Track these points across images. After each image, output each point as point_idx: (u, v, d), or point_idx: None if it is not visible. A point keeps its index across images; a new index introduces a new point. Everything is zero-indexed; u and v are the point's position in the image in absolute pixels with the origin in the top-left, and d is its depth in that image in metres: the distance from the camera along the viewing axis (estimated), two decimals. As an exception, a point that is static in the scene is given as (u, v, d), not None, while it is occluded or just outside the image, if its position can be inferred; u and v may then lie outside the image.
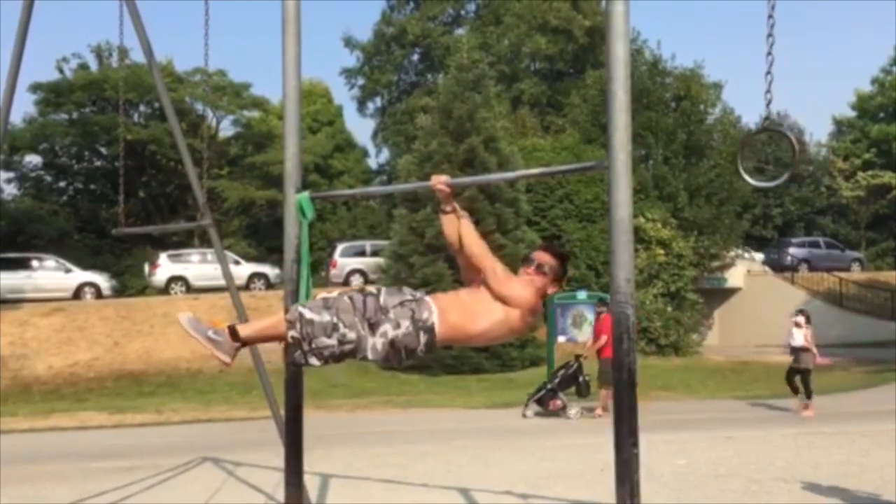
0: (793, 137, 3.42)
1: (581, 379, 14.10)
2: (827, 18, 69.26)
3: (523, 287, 3.48)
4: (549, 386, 14.05)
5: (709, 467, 8.51)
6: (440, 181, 3.60)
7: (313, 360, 3.30)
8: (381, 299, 3.37)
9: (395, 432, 12.26)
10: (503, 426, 12.89)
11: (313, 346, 3.27)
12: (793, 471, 8.17)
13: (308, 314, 3.27)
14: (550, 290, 3.60)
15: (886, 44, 59.08)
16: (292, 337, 3.28)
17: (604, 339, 13.93)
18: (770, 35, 3.21)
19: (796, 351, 14.49)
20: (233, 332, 3.34)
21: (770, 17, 3.21)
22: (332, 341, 3.26)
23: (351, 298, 3.33)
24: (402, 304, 3.36)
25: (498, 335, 3.52)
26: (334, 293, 3.40)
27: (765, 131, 3.34)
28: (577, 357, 14.42)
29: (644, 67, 28.58)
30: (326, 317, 3.26)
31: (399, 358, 3.37)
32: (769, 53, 3.21)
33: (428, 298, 3.44)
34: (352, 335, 3.26)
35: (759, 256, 34.35)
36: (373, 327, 3.30)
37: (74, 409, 17.00)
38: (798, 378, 14.45)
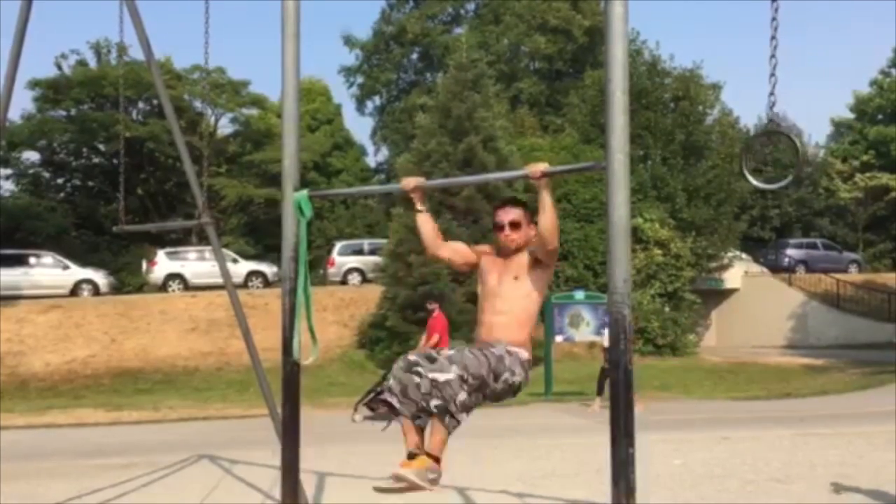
0: (795, 139, 3.43)
1: None
2: (825, 20, 69.30)
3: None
4: (378, 388, 13.62)
5: (705, 467, 8.52)
6: (412, 184, 3.86)
7: (462, 417, 3.64)
8: (496, 353, 3.67)
9: (392, 431, 12.24)
10: (500, 425, 12.87)
11: (458, 402, 3.54)
12: (788, 471, 8.18)
13: (440, 377, 3.55)
14: (533, 233, 3.84)
15: (885, 45, 59.01)
16: (436, 407, 3.56)
17: (435, 337, 13.59)
18: (773, 38, 3.21)
19: (606, 350, 14.74)
20: (433, 458, 3.63)
21: (773, 19, 3.21)
22: (464, 394, 3.55)
23: (474, 354, 3.62)
24: (508, 352, 3.71)
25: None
26: (449, 351, 3.73)
27: (767, 134, 3.35)
28: None
29: (643, 68, 28.56)
30: (455, 371, 3.54)
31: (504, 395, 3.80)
32: (773, 56, 3.21)
33: (514, 349, 3.75)
34: (475, 384, 3.58)
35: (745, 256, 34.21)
36: (496, 377, 3.65)
37: (71, 406, 17.00)
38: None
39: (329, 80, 56.03)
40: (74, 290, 26.13)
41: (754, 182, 3.57)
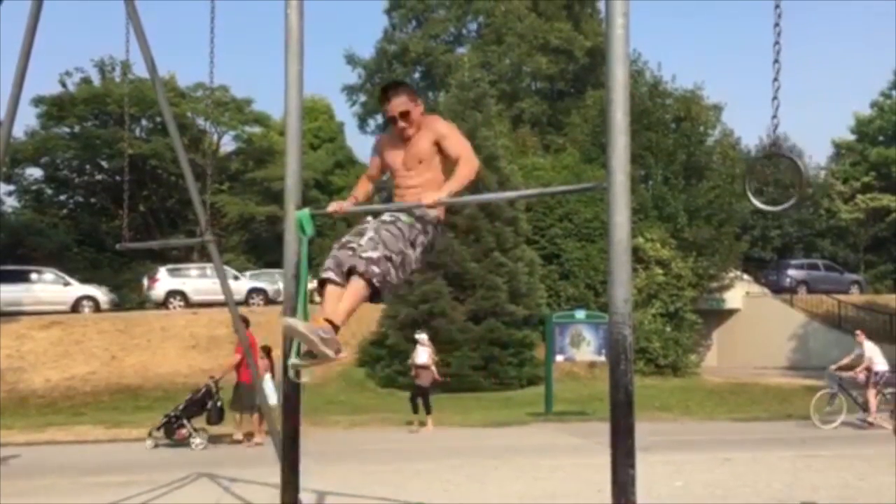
0: (798, 161, 3.48)
1: (210, 404, 12.80)
2: (826, 42, 69.65)
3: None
4: (172, 414, 12.77)
5: (706, 489, 8.47)
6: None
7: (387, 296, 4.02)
8: (406, 221, 3.91)
9: (392, 450, 12.21)
10: (500, 445, 12.84)
11: (388, 282, 3.77)
12: (790, 493, 8.14)
13: (374, 254, 3.72)
14: (421, 109, 4.17)
15: (885, 67, 59.33)
16: (374, 286, 3.75)
17: (236, 358, 12.67)
18: (776, 62, 3.24)
19: (418, 368, 14.92)
20: (332, 325, 3.71)
21: (776, 43, 3.25)
22: (394, 271, 3.80)
23: (390, 231, 3.84)
24: (417, 218, 3.95)
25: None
26: (367, 229, 3.90)
27: (769, 156, 3.42)
28: (212, 379, 13.29)
29: (644, 88, 28.68)
30: (380, 251, 3.75)
31: (426, 256, 4.03)
32: (775, 79, 3.24)
33: (422, 212, 3.96)
34: (398, 259, 3.82)
35: (747, 276, 34.16)
36: (413, 244, 3.91)
37: (71, 422, 16.94)
38: (420, 396, 14.93)
39: (332, 98, 56.30)
40: (75, 307, 26.08)
41: (758, 204, 3.66)
